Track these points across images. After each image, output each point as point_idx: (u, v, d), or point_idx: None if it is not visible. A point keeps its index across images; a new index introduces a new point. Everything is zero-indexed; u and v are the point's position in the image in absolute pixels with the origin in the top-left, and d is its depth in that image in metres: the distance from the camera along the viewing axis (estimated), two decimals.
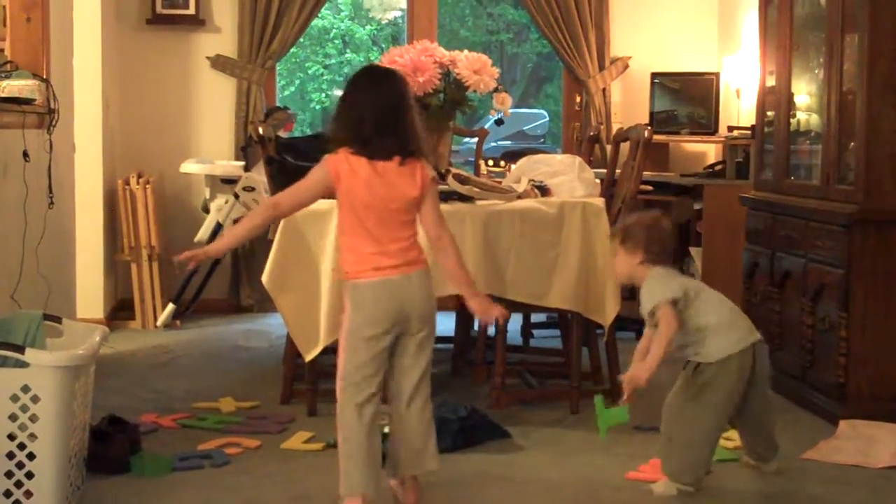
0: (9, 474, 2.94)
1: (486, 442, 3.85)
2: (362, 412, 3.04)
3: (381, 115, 3.07)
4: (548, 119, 13.67)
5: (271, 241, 4.20)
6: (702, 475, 3.37)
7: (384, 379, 3.12)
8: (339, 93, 14.13)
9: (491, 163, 5.85)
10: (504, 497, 3.36)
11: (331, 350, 4.40)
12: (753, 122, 5.40)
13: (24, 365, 2.93)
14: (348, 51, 14.09)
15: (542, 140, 13.29)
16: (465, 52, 4.55)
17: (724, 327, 3.35)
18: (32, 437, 2.94)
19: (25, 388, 2.92)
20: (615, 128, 6.13)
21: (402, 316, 3.05)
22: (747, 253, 5.01)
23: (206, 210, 6.01)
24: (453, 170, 4.44)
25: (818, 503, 3.34)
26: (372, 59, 13.10)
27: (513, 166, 4.77)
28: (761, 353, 3.40)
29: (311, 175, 3.15)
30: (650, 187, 5.68)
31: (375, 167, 3.06)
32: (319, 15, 7.26)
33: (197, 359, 5.24)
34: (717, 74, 6.45)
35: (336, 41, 14.00)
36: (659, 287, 3.35)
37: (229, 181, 5.93)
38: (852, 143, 4.19)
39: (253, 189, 5.73)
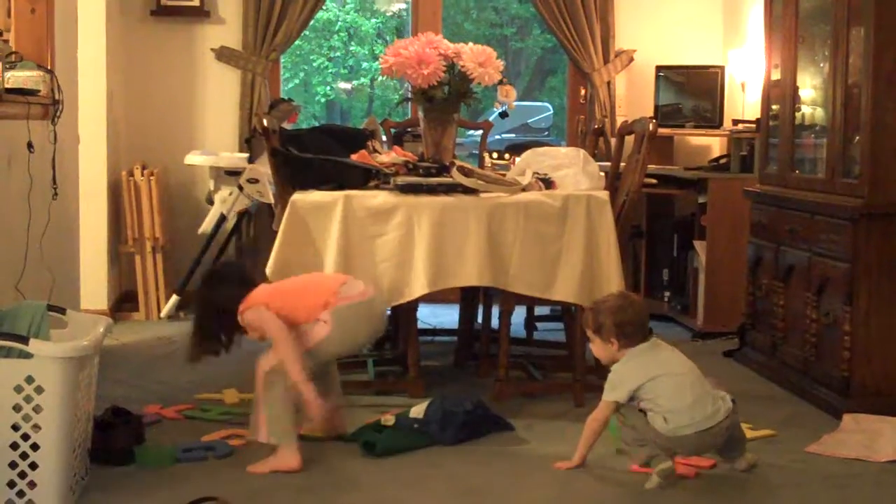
0: (13, 465, 2.94)
1: (489, 434, 3.85)
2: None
3: None
4: (552, 112, 13.66)
5: (275, 233, 4.20)
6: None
7: None
8: (344, 85, 14.13)
9: (495, 155, 5.83)
10: (508, 489, 3.36)
11: None
12: (758, 116, 5.39)
13: (28, 356, 2.94)
14: (353, 43, 14.08)
15: (546, 133, 13.28)
16: (470, 44, 4.55)
17: (683, 416, 3.31)
18: (36, 427, 2.95)
19: (29, 379, 2.93)
20: (620, 121, 6.12)
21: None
22: (751, 247, 5.00)
23: (210, 202, 6.01)
24: (458, 162, 4.44)
25: (822, 497, 3.34)
26: (377, 51, 13.10)
27: (517, 159, 4.76)
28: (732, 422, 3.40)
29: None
30: (654, 180, 5.67)
31: None
32: (324, 7, 7.24)
33: None
34: (721, 68, 6.43)
35: (341, 33, 14.00)
36: (613, 383, 3.40)
37: (233, 173, 5.92)
38: (857, 137, 4.18)
39: (257, 181, 5.72)
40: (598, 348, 3.48)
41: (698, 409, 3.33)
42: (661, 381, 3.35)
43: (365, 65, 13.98)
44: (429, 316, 5.61)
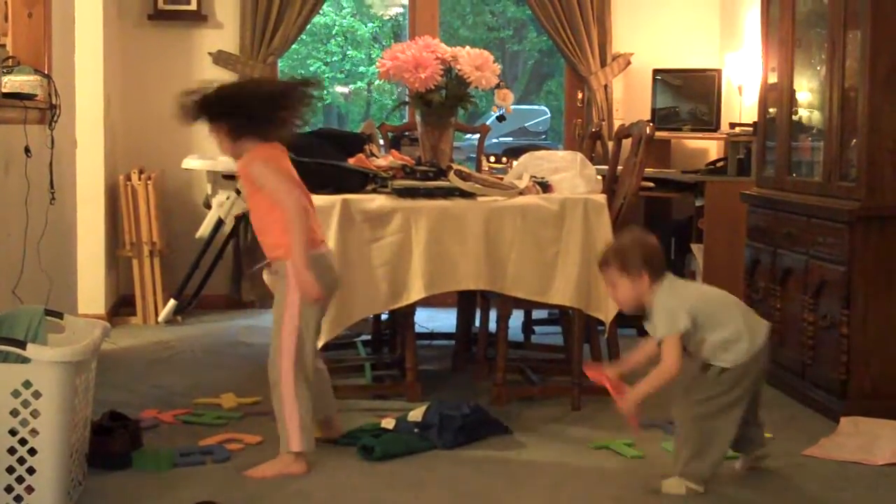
0: (10, 470, 2.94)
1: (487, 438, 3.85)
2: (309, 377, 3.50)
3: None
4: (549, 115, 13.67)
5: None
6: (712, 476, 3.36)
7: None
8: (341, 89, 14.14)
9: (493, 159, 5.84)
10: (505, 493, 3.36)
11: (332, 346, 4.42)
12: (755, 119, 5.39)
13: (25, 360, 2.93)
14: (350, 47, 14.09)
15: (543, 136, 13.30)
16: (467, 48, 4.55)
17: (743, 333, 3.29)
18: (34, 432, 2.94)
19: (27, 384, 2.92)
20: (617, 124, 6.13)
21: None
22: (749, 250, 5.01)
23: (208, 206, 6.00)
24: (455, 166, 4.44)
25: (819, 500, 3.34)
26: (374, 56, 13.10)
27: (514, 163, 4.77)
28: (769, 339, 3.38)
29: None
30: (652, 184, 5.68)
31: None
32: (321, 11, 7.26)
33: (198, 354, 5.24)
34: (718, 71, 6.44)
35: (338, 38, 14.01)
36: (669, 315, 3.26)
37: (231, 177, 5.91)
38: (854, 140, 4.18)
39: None
40: (626, 289, 3.32)
41: (750, 316, 3.35)
42: (711, 308, 3.31)
43: (362, 69, 14.00)
44: (426, 320, 5.61)
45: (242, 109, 3.43)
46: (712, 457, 3.32)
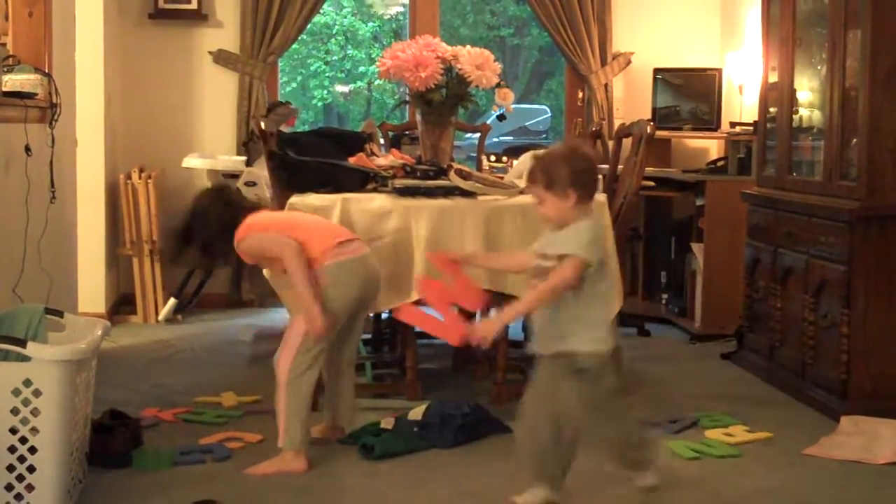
0: (10, 468, 2.94)
1: (487, 437, 3.85)
2: (312, 374, 3.53)
3: None
4: (550, 114, 13.67)
5: None
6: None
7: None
8: (341, 89, 14.14)
9: (493, 158, 5.84)
10: (506, 492, 3.35)
11: None
12: (756, 118, 5.39)
13: (25, 359, 2.93)
14: (350, 47, 14.09)
15: (544, 135, 13.30)
16: (468, 47, 4.55)
17: (608, 321, 3.07)
18: (34, 430, 2.94)
19: (27, 382, 2.92)
20: (617, 123, 6.13)
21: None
22: (749, 249, 5.01)
23: None
24: (455, 165, 4.44)
25: (819, 499, 3.34)
26: (374, 55, 13.10)
27: (515, 162, 4.77)
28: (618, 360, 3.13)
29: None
30: (652, 183, 5.68)
31: None
32: (322, 11, 7.26)
33: (198, 353, 5.24)
34: (719, 70, 6.44)
35: (338, 37, 14.01)
36: (586, 240, 2.94)
37: (231, 176, 5.93)
38: (854, 140, 4.18)
39: (255, 184, 5.72)
40: (551, 207, 2.98)
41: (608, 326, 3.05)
42: (606, 281, 3.04)
43: (362, 68, 14.00)
44: None
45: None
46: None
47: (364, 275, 3.61)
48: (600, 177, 4.52)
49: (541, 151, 3.28)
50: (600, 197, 4.26)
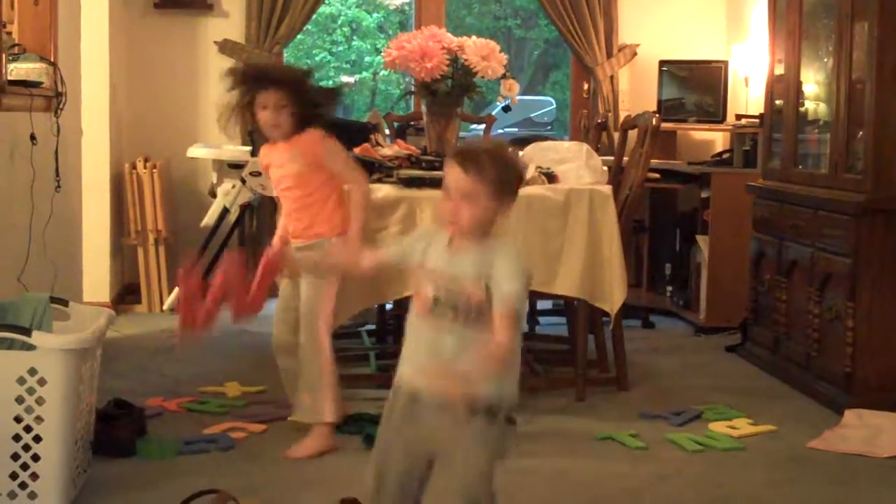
0: (15, 456, 2.94)
1: None
2: None
3: None
4: (555, 106, 13.66)
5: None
6: None
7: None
8: (347, 79, 14.13)
9: None
10: (509, 483, 3.35)
11: (336, 335, 4.41)
12: (761, 111, 5.38)
13: (31, 348, 2.93)
14: (356, 38, 14.08)
15: (549, 127, 13.28)
16: (474, 37, 4.54)
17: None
18: (39, 419, 2.95)
19: (32, 371, 2.92)
20: (623, 115, 6.12)
21: None
22: (754, 242, 5.00)
23: (213, 195, 6.00)
24: None
25: (823, 492, 3.34)
26: (379, 46, 13.09)
27: (520, 153, 4.76)
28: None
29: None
30: (657, 175, 5.67)
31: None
32: (327, 2, 7.26)
33: (203, 343, 5.23)
34: (725, 62, 6.43)
35: (344, 28, 14.00)
36: (522, 270, 2.27)
37: (236, 166, 5.92)
38: (861, 132, 4.17)
39: (260, 174, 5.71)
40: (479, 210, 2.26)
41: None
42: None
43: (368, 59, 13.99)
44: None
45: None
46: None
47: None
48: (605, 168, 4.54)
49: (496, 141, 2.85)
50: (605, 189, 4.26)
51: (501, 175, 2.30)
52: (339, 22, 13.91)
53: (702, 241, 5.74)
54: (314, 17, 6.63)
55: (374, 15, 14.12)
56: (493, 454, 2.32)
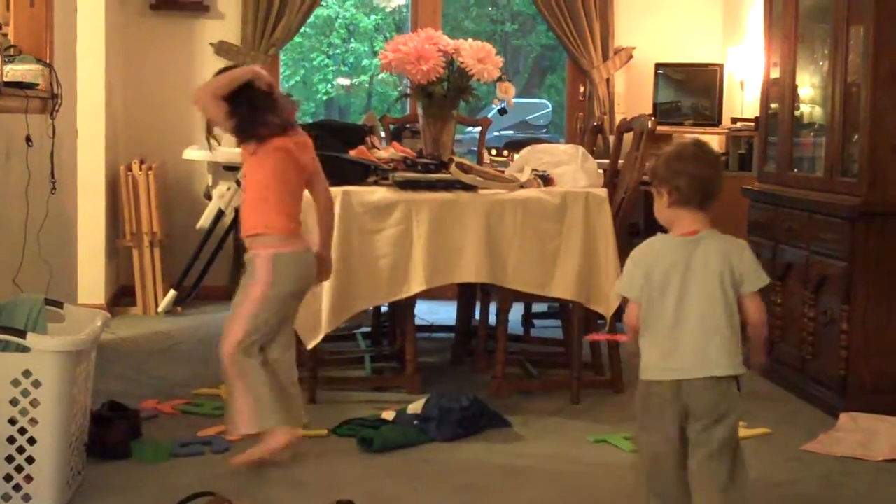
0: (9, 458, 2.94)
1: (486, 431, 3.86)
2: (256, 360, 3.39)
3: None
4: (551, 109, 13.65)
5: None
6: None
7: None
8: (343, 82, 14.14)
9: (494, 152, 5.84)
10: (505, 486, 3.36)
11: (332, 338, 4.42)
12: (757, 114, 5.39)
13: (25, 349, 2.93)
14: (353, 40, 14.08)
15: (545, 130, 13.27)
16: (469, 40, 4.54)
17: (651, 347, 2.69)
18: (33, 421, 2.94)
19: (27, 373, 2.92)
20: (618, 118, 6.12)
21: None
22: (749, 245, 4.99)
23: (209, 197, 6.00)
24: (456, 158, 4.44)
25: (817, 495, 3.34)
26: (377, 48, 13.09)
27: (516, 156, 4.76)
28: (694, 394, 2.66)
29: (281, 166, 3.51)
30: None
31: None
32: (324, 4, 7.27)
33: (198, 345, 5.24)
34: (721, 65, 6.44)
35: (341, 30, 13.99)
36: (625, 271, 2.79)
37: (232, 168, 5.91)
38: (856, 136, 4.18)
39: None
40: (655, 206, 2.82)
41: (678, 350, 2.64)
42: (665, 294, 2.67)
43: (365, 62, 13.98)
44: (426, 312, 5.61)
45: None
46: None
47: (302, 272, 3.49)
48: (601, 171, 4.54)
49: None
50: (601, 192, 4.27)
51: (653, 180, 2.84)
52: (336, 24, 13.90)
53: None
54: (311, 19, 6.63)
55: (372, 17, 14.12)
56: None
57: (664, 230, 2.83)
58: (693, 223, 2.73)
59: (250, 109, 3.45)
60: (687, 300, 2.65)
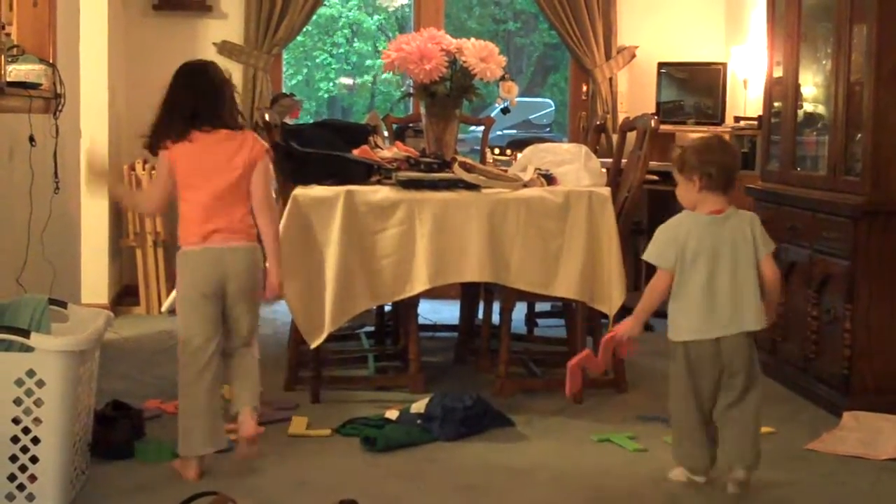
0: (13, 458, 2.94)
1: (490, 430, 3.86)
2: (202, 376, 3.32)
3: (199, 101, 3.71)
4: (554, 108, 13.65)
5: None
6: (699, 465, 3.30)
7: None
8: (346, 81, 14.14)
9: (497, 151, 5.83)
10: (507, 485, 3.36)
11: (335, 337, 4.42)
12: (760, 113, 5.38)
13: (29, 349, 2.94)
14: (356, 39, 14.09)
15: (548, 129, 13.28)
16: (472, 39, 4.54)
17: (689, 310, 3.30)
18: (37, 421, 2.95)
19: (31, 373, 2.93)
20: (621, 117, 6.12)
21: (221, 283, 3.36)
22: None
23: None
24: (459, 158, 4.44)
25: (821, 494, 3.34)
26: (380, 47, 13.09)
27: (519, 155, 4.76)
28: (730, 348, 3.23)
29: (159, 171, 3.58)
30: (656, 177, 5.67)
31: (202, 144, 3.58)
32: (327, 3, 7.27)
33: None
34: (724, 64, 6.43)
35: (344, 30, 14.00)
36: (655, 244, 3.35)
37: None
38: (859, 135, 4.18)
39: None
40: (681, 190, 3.30)
41: (713, 311, 3.23)
42: (696, 265, 3.27)
43: (368, 61, 13.99)
44: (430, 312, 5.61)
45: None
46: (679, 444, 3.35)
47: (214, 268, 3.37)
48: (604, 170, 4.54)
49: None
50: (604, 191, 4.27)
51: (683, 168, 3.30)
52: (340, 24, 13.90)
53: None
54: (314, 18, 6.63)
55: (375, 17, 14.12)
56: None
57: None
58: (718, 203, 3.24)
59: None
60: (721, 267, 3.20)
